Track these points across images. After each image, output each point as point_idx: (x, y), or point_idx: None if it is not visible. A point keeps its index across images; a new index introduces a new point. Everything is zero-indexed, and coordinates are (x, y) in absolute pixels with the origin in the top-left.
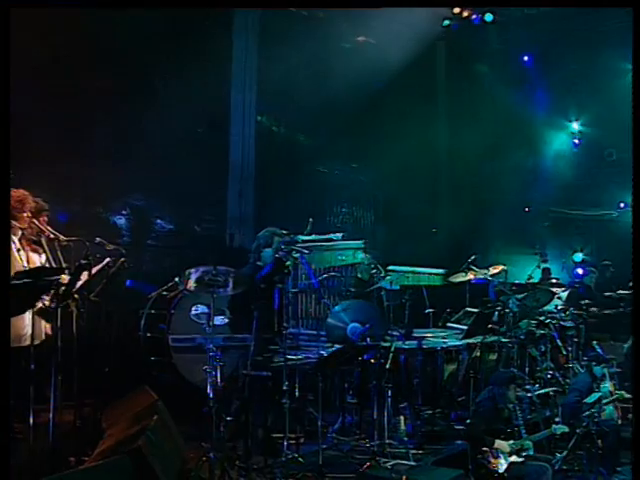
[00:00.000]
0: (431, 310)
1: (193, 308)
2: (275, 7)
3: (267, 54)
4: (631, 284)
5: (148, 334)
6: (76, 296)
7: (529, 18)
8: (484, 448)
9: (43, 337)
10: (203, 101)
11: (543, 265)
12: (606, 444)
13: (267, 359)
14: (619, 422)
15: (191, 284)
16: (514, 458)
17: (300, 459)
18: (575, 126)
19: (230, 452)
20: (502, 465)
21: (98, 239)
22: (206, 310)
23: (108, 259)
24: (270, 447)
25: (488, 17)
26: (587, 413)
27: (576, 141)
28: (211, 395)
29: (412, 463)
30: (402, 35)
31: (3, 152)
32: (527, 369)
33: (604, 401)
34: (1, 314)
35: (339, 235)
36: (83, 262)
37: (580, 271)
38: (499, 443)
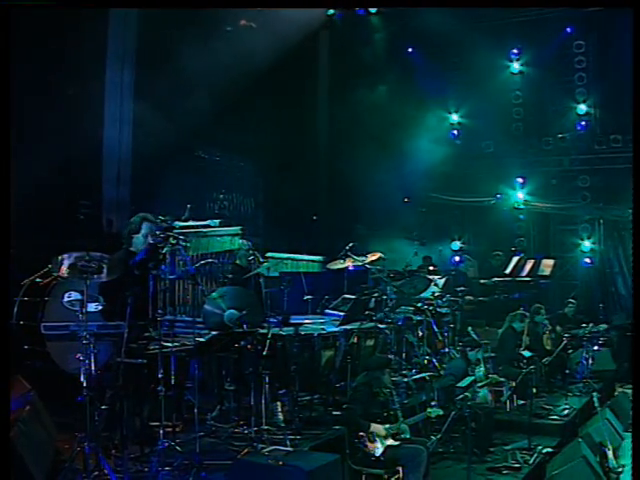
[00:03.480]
0: (309, 297)
1: (66, 295)
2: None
3: (146, 34)
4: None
5: (21, 322)
6: None
7: (413, 10)
8: (361, 432)
9: None
10: (75, 82)
11: (423, 254)
12: (479, 426)
13: (142, 346)
14: (492, 405)
15: (64, 270)
16: (390, 441)
17: (177, 447)
18: (455, 117)
19: (105, 441)
20: (378, 449)
21: None
22: (79, 297)
23: None
24: (146, 436)
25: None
26: (461, 396)
27: (455, 132)
28: (85, 384)
29: (289, 449)
30: (284, 21)
31: (3, 151)
32: (404, 354)
33: (477, 384)
34: (1, 314)
35: (217, 221)
36: None
37: (457, 259)
38: (375, 427)
